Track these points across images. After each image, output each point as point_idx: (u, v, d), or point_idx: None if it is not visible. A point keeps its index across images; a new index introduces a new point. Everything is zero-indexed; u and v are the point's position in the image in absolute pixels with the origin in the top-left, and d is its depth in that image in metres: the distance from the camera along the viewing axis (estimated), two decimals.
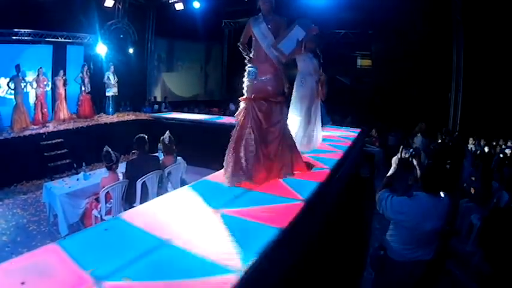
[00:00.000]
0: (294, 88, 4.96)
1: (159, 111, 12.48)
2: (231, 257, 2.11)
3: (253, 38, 3.57)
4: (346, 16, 11.64)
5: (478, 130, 9.38)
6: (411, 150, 3.29)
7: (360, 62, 13.64)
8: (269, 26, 3.50)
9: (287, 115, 3.94)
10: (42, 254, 2.13)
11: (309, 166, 4.08)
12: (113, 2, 11.21)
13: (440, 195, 2.85)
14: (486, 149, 8.93)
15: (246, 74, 3.59)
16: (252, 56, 3.61)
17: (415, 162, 3.27)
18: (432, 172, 2.85)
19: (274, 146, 3.62)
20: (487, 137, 9.14)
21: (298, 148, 4.46)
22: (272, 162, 3.62)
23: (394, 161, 3.20)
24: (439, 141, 8.56)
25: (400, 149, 3.25)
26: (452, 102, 10.42)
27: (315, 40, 4.82)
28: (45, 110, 9.72)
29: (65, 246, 2.19)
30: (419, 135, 7.66)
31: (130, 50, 12.54)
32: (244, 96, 3.63)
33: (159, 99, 14.32)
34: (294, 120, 4.89)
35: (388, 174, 3.15)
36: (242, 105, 3.63)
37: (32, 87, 9.54)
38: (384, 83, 12.46)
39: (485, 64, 9.90)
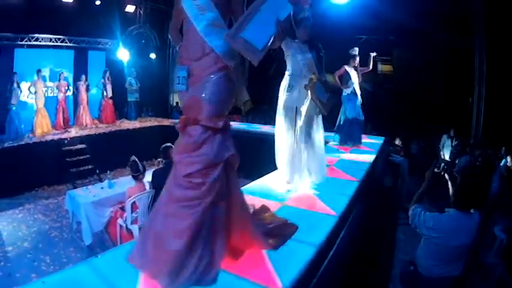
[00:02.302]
0: (279, 96, 3.72)
1: None
2: (269, 277, 2.03)
3: (184, 18, 2.14)
4: (367, 22, 11.51)
5: (502, 138, 9.11)
6: (443, 164, 3.19)
7: (380, 67, 13.43)
8: None
9: (233, 152, 2.13)
10: (74, 274, 2.04)
11: (278, 237, 2.48)
12: (134, 7, 11.28)
13: (471, 212, 2.85)
14: (508, 159, 8.68)
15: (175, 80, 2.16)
16: (181, 47, 2.20)
17: (447, 176, 3.17)
18: (464, 190, 2.83)
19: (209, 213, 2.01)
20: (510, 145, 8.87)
21: (284, 182, 3.73)
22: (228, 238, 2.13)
23: (428, 175, 3.11)
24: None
25: (434, 163, 3.15)
26: (475, 109, 10.18)
27: (308, 24, 3.47)
28: (67, 115, 9.80)
29: (97, 266, 2.11)
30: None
31: (152, 55, 12.56)
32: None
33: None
34: (280, 143, 3.75)
35: (421, 190, 3.10)
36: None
37: (53, 92, 9.63)
38: (404, 89, 12.28)
39: (508, 70, 9.65)
